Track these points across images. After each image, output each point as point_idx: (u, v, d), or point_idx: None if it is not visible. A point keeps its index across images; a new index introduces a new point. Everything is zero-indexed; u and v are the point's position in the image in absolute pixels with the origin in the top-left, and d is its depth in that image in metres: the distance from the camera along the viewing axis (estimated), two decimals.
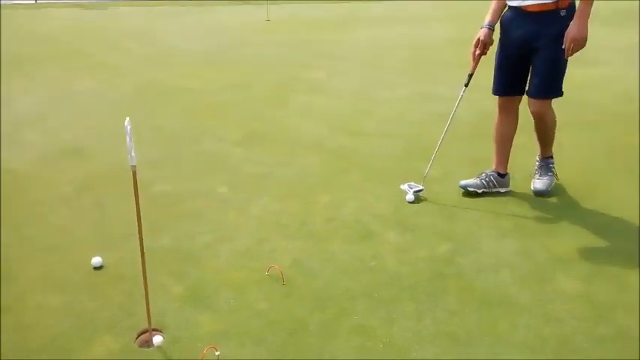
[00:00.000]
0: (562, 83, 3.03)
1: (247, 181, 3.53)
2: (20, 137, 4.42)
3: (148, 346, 2.07)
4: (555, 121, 3.18)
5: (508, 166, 3.32)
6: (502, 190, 3.29)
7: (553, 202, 3.22)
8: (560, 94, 3.05)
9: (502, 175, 3.30)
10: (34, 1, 17.65)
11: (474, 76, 3.16)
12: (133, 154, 1.85)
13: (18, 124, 4.76)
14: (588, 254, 2.66)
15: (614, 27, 9.85)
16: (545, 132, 3.22)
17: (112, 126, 4.73)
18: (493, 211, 3.09)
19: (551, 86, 3.01)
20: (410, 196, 3.22)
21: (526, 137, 3.43)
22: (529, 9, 2.90)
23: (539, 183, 3.30)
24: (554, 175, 3.35)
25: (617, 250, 2.70)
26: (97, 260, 2.57)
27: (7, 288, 2.42)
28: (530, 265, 2.56)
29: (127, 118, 1.84)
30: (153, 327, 2.11)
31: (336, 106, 5.40)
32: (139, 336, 2.12)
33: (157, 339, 2.09)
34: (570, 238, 2.81)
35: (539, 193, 3.26)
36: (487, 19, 3.09)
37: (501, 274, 2.49)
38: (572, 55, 2.84)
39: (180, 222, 2.99)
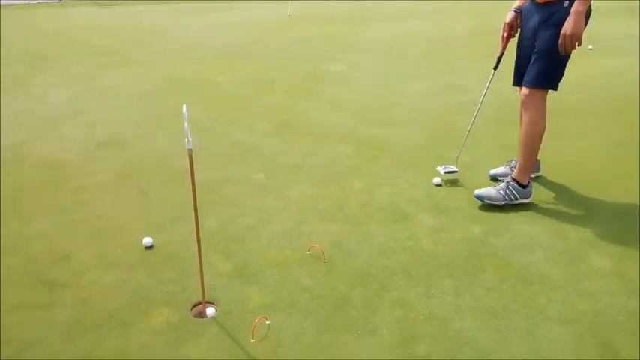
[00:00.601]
0: (556, 76, 2.88)
1: (282, 169, 3.66)
2: (58, 131, 4.59)
3: (202, 317, 2.20)
4: (541, 130, 2.98)
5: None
6: (533, 175, 3.34)
7: (580, 187, 3.29)
8: (551, 86, 2.89)
9: None
10: (57, 0, 17.97)
11: (502, 59, 3.22)
12: (189, 138, 1.97)
13: (55, 118, 4.94)
14: (616, 235, 2.74)
15: (630, 17, 9.80)
16: (526, 133, 2.99)
17: (146, 118, 4.89)
18: None
19: (541, 75, 2.87)
20: (437, 180, 3.33)
21: (554, 123, 3.48)
22: (537, 0, 2.90)
23: (486, 189, 3.08)
24: (507, 200, 3.02)
25: None
26: (147, 240, 2.72)
27: (63, 267, 2.57)
28: (562, 246, 2.65)
29: (184, 106, 1.97)
30: (206, 300, 2.24)
31: (361, 97, 5.49)
32: (192, 308, 2.26)
33: (210, 310, 2.22)
34: (598, 221, 2.89)
35: (476, 196, 3.07)
36: (515, 3, 3.16)
37: (535, 254, 2.58)
38: (566, 51, 2.77)
39: (221, 207, 3.12)
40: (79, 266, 2.57)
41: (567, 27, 2.70)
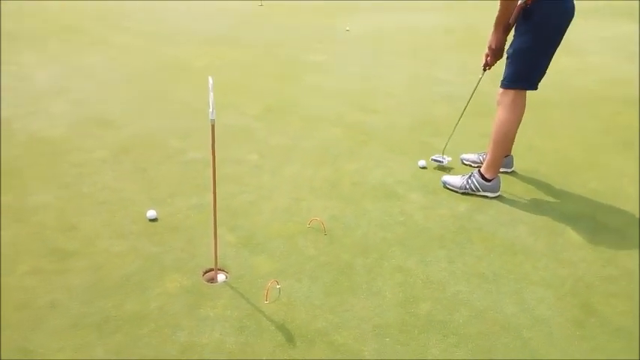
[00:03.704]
0: (522, 77, 2.95)
1: (275, 151, 3.79)
2: (47, 108, 4.58)
3: (213, 283, 2.34)
4: (509, 129, 3.08)
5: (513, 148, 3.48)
6: (507, 170, 3.52)
7: (557, 171, 3.54)
8: (516, 85, 2.97)
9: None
10: None
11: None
12: (212, 109, 2.09)
13: (42, 95, 4.92)
14: (591, 213, 3.01)
15: (599, 20, 10.26)
16: (494, 130, 3.09)
17: (133, 98, 4.92)
18: (504, 179, 3.38)
19: (507, 75, 2.98)
20: (422, 162, 3.54)
21: (531, 114, 3.70)
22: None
23: (452, 177, 3.23)
24: (466, 189, 3.15)
25: (616, 209, 3.06)
26: (151, 213, 2.82)
27: (72, 236, 2.66)
28: (542, 221, 2.89)
29: (210, 77, 2.09)
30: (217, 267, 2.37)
31: (345, 85, 5.64)
32: (204, 274, 2.39)
33: (221, 277, 2.36)
34: (575, 200, 3.16)
35: (443, 182, 3.24)
36: None
37: (517, 228, 2.81)
38: (489, 64, 3.06)
39: (219, 184, 3.19)
40: (88, 235, 2.66)
41: (488, 41, 2.99)
